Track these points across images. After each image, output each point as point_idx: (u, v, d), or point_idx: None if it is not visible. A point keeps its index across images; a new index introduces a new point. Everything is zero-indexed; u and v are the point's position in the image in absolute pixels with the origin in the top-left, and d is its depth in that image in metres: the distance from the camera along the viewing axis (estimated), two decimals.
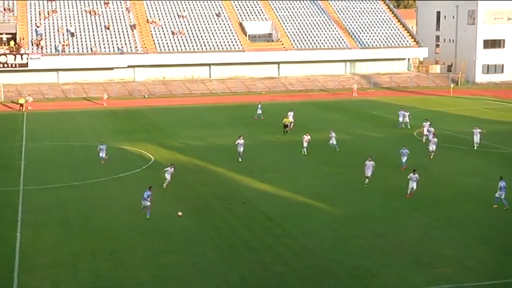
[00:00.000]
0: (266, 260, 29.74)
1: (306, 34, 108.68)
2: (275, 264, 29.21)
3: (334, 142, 53.12)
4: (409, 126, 63.83)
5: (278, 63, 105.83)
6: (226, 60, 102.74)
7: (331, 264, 29.21)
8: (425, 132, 56.86)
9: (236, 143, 49.48)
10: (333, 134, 53.77)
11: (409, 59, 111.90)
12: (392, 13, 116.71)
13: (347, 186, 42.95)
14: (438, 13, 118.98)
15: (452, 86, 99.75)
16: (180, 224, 35.18)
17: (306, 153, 51.63)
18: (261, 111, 72.11)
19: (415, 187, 39.59)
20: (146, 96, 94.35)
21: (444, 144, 55.62)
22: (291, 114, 65.23)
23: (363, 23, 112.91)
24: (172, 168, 42.07)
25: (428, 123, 57.64)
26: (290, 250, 31.04)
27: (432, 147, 50.96)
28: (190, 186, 43.17)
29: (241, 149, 49.37)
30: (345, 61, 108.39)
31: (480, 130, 54.52)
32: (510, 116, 73.14)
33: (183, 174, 46.12)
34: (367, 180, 42.40)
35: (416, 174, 39.85)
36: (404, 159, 46.66)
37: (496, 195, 37.28)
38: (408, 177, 39.98)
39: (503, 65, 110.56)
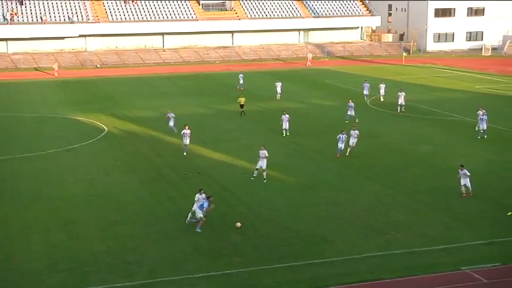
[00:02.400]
0: (221, 229, 29.92)
1: (259, 3, 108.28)
2: (230, 233, 29.41)
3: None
4: (382, 99, 62.32)
5: (232, 32, 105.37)
6: (180, 30, 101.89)
7: (286, 232, 29.53)
8: (400, 102, 57.01)
9: (182, 133, 43.30)
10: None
11: (361, 28, 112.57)
12: None
13: (301, 155, 43.28)
14: None
15: (404, 54, 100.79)
16: (134, 194, 35.09)
17: (288, 134, 48.03)
18: (242, 81, 71.49)
19: (355, 143, 41.46)
20: (98, 66, 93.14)
21: (395, 112, 56.41)
22: (279, 84, 64.43)
23: None
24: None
25: (404, 93, 57.66)
26: (245, 219, 31.24)
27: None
28: (144, 157, 42.99)
29: (187, 141, 43.26)
30: (298, 30, 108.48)
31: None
32: (460, 84, 74.35)
33: (137, 145, 45.91)
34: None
35: (357, 131, 41.55)
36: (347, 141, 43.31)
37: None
38: (349, 133, 41.40)
39: (453, 33, 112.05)
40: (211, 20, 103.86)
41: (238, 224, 29.95)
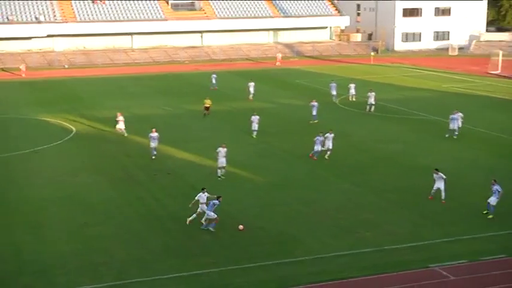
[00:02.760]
0: (191, 229, 29.82)
1: (228, 3, 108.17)
2: (199, 233, 29.33)
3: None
4: (352, 99, 62.27)
5: (201, 32, 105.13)
6: (149, 30, 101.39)
7: (256, 232, 29.54)
8: (370, 102, 57.03)
9: (149, 136, 42.12)
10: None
11: (330, 27, 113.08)
12: None
13: (271, 155, 43.33)
14: None
15: (372, 54, 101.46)
16: (102, 195, 34.82)
17: (254, 136, 47.55)
18: (215, 81, 71.12)
19: (331, 146, 41.31)
20: (66, 66, 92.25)
21: (363, 111, 56.77)
22: (251, 85, 64.18)
23: None
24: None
25: (374, 93, 57.58)
26: None
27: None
28: (113, 157, 42.69)
29: (155, 144, 41.98)
30: (268, 30, 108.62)
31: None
32: (427, 83, 75.04)
33: (105, 145, 45.58)
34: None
35: (333, 134, 41.39)
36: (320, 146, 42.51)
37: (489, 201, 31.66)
38: (325, 136, 41.13)
39: (420, 33, 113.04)
40: (180, 19, 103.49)
41: (241, 227, 29.65)
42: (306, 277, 24.97)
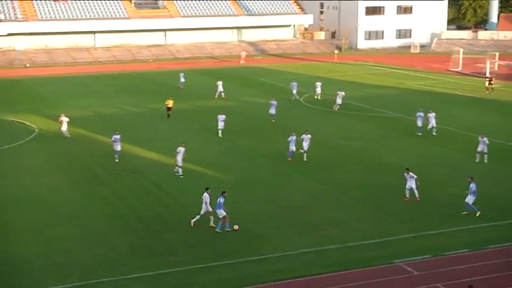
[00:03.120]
0: (155, 229, 29.70)
1: (192, 1, 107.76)
2: (164, 232, 29.23)
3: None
4: (318, 98, 62.41)
5: (165, 30, 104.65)
6: (111, 28, 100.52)
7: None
8: (338, 101, 56.94)
9: (113, 138, 41.13)
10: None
11: (294, 26, 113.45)
12: None
13: (236, 153, 43.33)
14: None
15: (336, 52, 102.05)
16: (66, 195, 34.46)
17: (220, 135, 47.31)
18: (183, 80, 70.81)
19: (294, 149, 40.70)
20: (28, 65, 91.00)
21: (329, 110, 57.08)
22: (219, 83, 63.77)
23: None
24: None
25: (343, 93, 57.47)
26: (180, 218, 31.08)
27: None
28: (76, 157, 42.27)
29: (118, 147, 41.03)
30: (231, 28, 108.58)
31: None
32: (390, 80, 75.74)
33: (68, 145, 45.10)
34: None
35: (309, 135, 40.88)
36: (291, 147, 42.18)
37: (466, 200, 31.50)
38: (301, 137, 40.63)
39: (383, 31, 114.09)
40: (143, 18, 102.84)
41: (236, 227, 29.33)
42: (272, 274, 25.02)
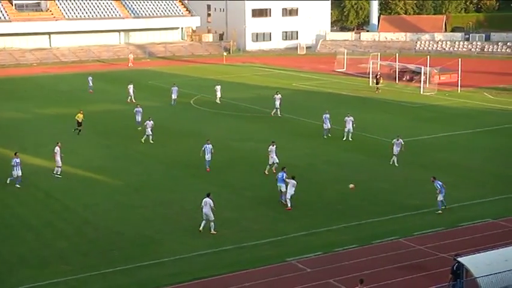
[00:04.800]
0: (46, 237, 28.99)
1: (76, 3, 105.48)
2: (56, 241, 28.58)
3: None
4: (218, 102, 61.62)
5: (49, 33, 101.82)
6: None
7: (115, 236, 29.17)
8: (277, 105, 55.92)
9: (12, 162, 36.33)
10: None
11: (182, 28, 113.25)
12: None
13: (127, 157, 42.86)
14: None
15: (224, 54, 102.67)
16: None
17: (153, 141, 45.96)
18: (92, 84, 69.06)
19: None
20: None
21: (219, 111, 57.43)
22: (130, 86, 62.64)
23: None
24: None
25: (280, 95, 56.69)
26: (71, 225, 30.50)
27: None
28: None
29: (19, 172, 36.54)
30: (118, 31, 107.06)
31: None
32: (278, 81, 76.96)
33: None
34: (275, 165, 38.84)
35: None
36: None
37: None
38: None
39: (270, 33, 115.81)
40: (26, 21, 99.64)
41: (351, 185, 31.49)
42: (167, 278, 24.99)
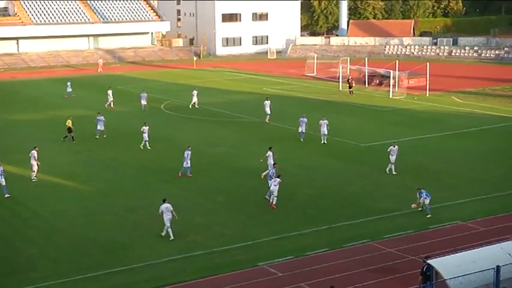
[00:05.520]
0: (15, 244, 28.64)
1: (45, 8, 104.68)
2: (25, 248, 28.24)
3: None
4: (196, 106, 61.45)
5: (17, 38, 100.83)
6: None
7: (84, 242, 28.92)
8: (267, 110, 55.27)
9: None
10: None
11: (152, 33, 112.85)
12: None
13: (96, 162, 42.55)
14: None
15: (195, 59, 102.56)
16: None
17: (148, 147, 45.75)
18: (71, 89, 68.47)
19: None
20: None
21: (190, 116, 57.31)
22: (109, 92, 62.13)
23: None
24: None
25: (269, 102, 55.87)
26: (40, 232, 30.18)
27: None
28: None
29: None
30: (88, 36, 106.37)
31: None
32: (249, 86, 77.08)
33: None
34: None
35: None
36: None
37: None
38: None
39: (240, 38, 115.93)
40: None
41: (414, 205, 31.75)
42: (138, 284, 24.85)
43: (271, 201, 33.10)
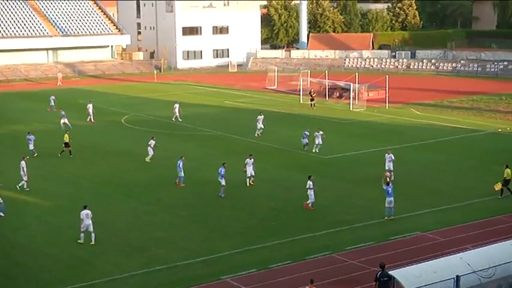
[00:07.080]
0: None
1: (2, 22, 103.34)
2: None
3: None
4: (179, 120, 61.24)
5: None
6: None
7: (45, 258, 28.58)
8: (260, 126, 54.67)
9: None
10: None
11: (112, 46, 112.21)
12: (93, 0, 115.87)
13: (57, 177, 42.12)
14: (138, 1, 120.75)
15: (155, 72, 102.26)
16: None
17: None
18: (53, 104, 67.83)
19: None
20: None
21: (151, 130, 57.06)
22: (90, 106, 61.47)
23: (63, 10, 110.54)
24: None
25: (263, 116, 55.53)
26: None
27: None
28: None
29: None
30: (47, 49, 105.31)
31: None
32: (210, 99, 77.08)
33: None
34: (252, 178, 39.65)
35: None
36: None
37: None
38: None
39: (201, 51, 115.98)
40: None
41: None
42: None
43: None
